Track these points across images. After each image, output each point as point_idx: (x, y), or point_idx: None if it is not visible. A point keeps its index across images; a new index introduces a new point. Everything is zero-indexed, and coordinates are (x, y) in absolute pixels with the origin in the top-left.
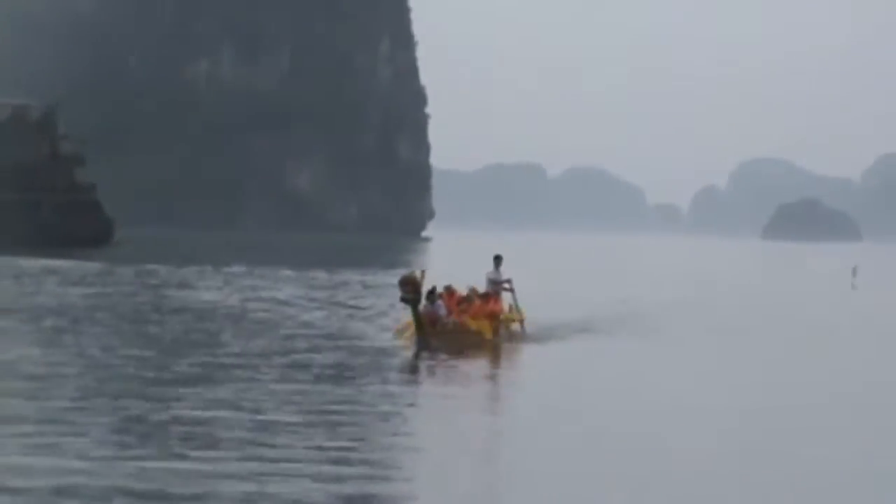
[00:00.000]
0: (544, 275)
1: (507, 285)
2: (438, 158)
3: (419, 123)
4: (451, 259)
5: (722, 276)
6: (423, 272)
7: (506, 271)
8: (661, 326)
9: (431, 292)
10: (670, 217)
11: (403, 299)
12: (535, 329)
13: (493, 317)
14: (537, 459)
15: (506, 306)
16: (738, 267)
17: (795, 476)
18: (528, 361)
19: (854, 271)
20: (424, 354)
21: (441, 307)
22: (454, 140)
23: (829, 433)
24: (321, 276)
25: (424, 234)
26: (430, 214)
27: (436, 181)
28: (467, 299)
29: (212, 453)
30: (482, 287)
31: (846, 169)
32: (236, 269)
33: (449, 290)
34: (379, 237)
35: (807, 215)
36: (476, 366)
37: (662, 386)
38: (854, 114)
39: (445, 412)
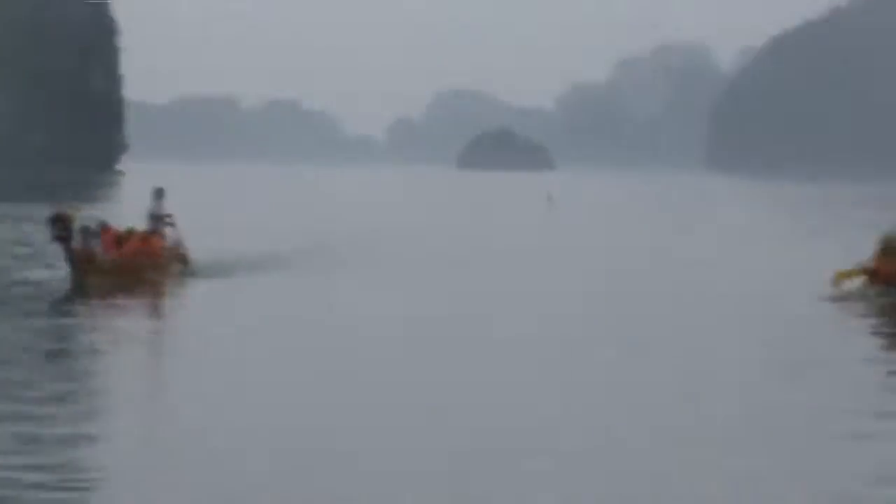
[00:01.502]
0: (228, 207)
1: (168, 220)
2: (131, 90)
3: (111, 54)
4: (144, 193)
5: (418, 205)
6: (75, 207)
7: (168, 205)
8: (347, 258)
9: (86, 229)
10: (367, 148)
11: (56, 237)
12: (206, 264)
13: (154, 254)
14: (197, 402)
15: (169, 242)
16: (434, 195)
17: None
18: (191, 299)
19: (549, 197)
20: (80, 294)
21: (97, 244)
22: (147, 71)
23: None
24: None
25: (118, 167)
26: (124, 147)
27: (129, 114)
28: (126, 236)
29: None
30: (143, 224)
31: (540, 99)
32: None
33: (104, 227)
34: (69, 170)
35: (502, 145)
36: (135, 304)
37: (336, 319)
38: (547, 44)
39: (100, 353)
